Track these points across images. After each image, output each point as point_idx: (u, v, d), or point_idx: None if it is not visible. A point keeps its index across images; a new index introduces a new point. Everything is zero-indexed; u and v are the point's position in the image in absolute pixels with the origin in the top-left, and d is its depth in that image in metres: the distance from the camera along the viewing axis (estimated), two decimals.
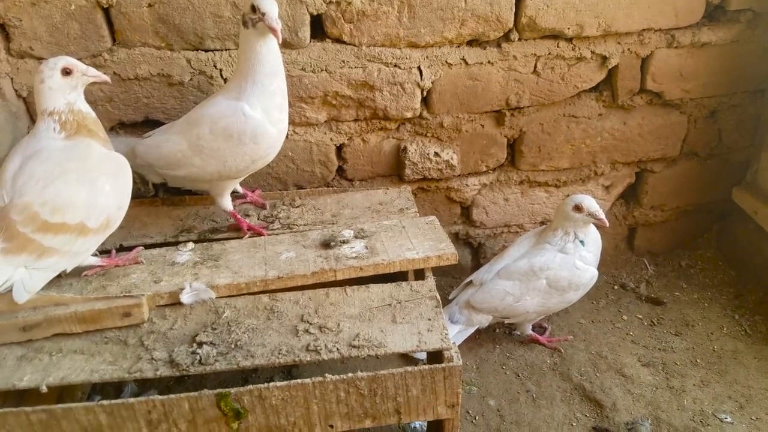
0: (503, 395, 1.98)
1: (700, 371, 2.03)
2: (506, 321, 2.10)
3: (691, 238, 2.63)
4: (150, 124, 2.00)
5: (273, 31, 1.56)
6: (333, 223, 1.90)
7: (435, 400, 1.42)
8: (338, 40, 2.00)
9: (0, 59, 1.84)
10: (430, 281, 1.64)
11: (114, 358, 1.39)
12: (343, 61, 2.01)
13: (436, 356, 1.47)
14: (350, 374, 1.36)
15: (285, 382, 1.34)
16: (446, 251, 1.70)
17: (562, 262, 1.96)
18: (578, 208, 1.92)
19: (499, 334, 2.24)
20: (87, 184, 1.45)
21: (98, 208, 1.46)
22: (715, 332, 2.21)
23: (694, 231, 2.63)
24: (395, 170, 2.26)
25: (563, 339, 2.19)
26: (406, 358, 1.99)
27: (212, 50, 1.95)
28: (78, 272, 1.57)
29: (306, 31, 1.95)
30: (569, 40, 2.11)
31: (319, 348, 1.39)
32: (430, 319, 1.49)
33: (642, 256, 2.61)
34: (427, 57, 2.06)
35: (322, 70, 2.01)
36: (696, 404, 1.90)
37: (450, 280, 2.46)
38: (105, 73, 1.61)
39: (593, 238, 2.01)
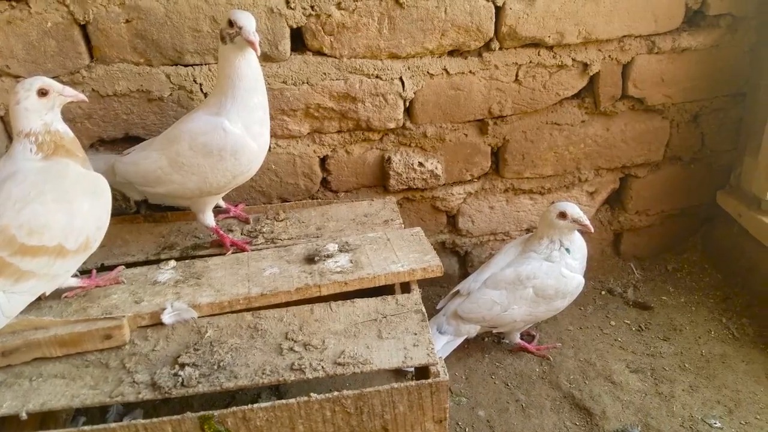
0: (493, 405, 1.97)
1: (689, 376, 2.03)
2: (494, 330, 2.10)
3: (677, 242, 2.64)
4: (130, 140, 1.99)
5: (251, 44, 1.55)
6: (317, 237, 1.89)
7: (423, 416, 1.40)
8: (319, 53, 1.99)
9: None
10: (416, 294, 1.63)
11: (95, 382, 1.37)
12: (325, 74, 2.01)
13: (423, 371, 1.45)
14: (336, 393, 1.34)
15: (269, 403, 1.32)
16: (431, 263, 1.70)
17: (548, 270, 1.96)
18: (563, 215, 1.92)
19: (487, 343, 2.23)
20: (64, 204, 1.43)
21: (76, 229, 1.44)
22: (703, 336, 2.21)
23: (680, 235, 2.63)
24: (380, 181, 2.26)
25: (552, 346, 2.19)
26: (395, 370, 1.98)
27: (192, 65, 1.94)
28: (58, 294, 1.55)
29: (286, 44, 1.95)
30: (550, 48, 2.12)
31: (303, 367, 1.38)
32: (416, 334, 1.48)
33: (628, 261, 2.62)
34: (408, 68, 2.05)
35: (303, 83, 2.00)
36: (685, 410, 1.90)
37: (438, 289, 2.45)
38: (83, 91, 1.60)
39: (578, 246, 2.01)
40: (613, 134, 2.32)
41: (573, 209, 1.92)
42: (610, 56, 2.17)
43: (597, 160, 2.36)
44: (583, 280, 2.00)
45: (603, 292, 2.47)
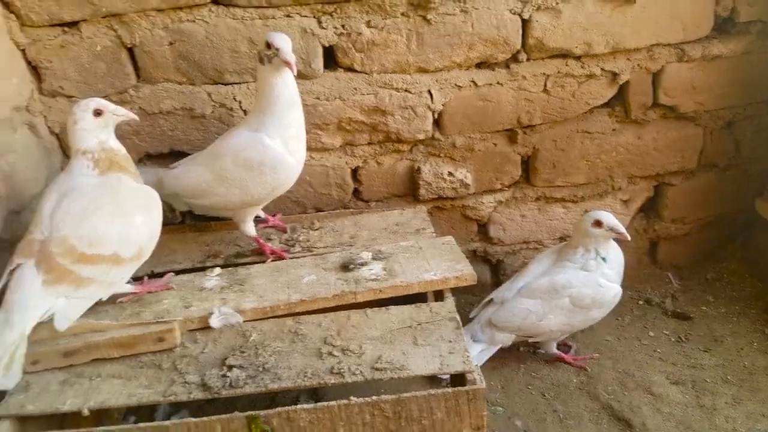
0: (530, 415, 1.94)
1: (732, 388, 1.96)
2: (530, 340, 2.08)
3: (716, 251, 2.59)
4: (175, 154, 2.08)
5: (288, 64, 1.63)
6: (351, 245, 1.94)
7: (460, 423, 1.41)
8: (350, 69, 2.06)
9: (33, 99, 1.93)
10: (450, 302, 1.66)
11: (149, 382, 1.44)
12: (356, 89, 2.07)
13: (459, 378, 1.47)
14: (375, 397, 1.37)
15: (312, 405, 1.36)
16: (464, 272, 1.72)
17: (584, 279, 1.95)
18: (598, 224, 1.91)
19: (523, 352, 2.21)
20: (120, 217, 1.53)
21: (131, 240, 1.54)
22: (745, 348, 2.14)
23: (718, 243, 2.59)
24: (410, 190, 2.30)
25: (589, 357, 2.15)
26: (430, 377, 2.00)
27: (231, 83, 2.02)
28: (113, 299, 1.63)
29: (319, 62, 2.02)
30: (578, 58, 2.14)
31: (342, 371, 1.42)
32: (451, 341, 1.50)
33: (666, 270, 2.57)
34: (436, 81, 2.11)
35: (335, 98, 2.07)
36: (729, 423, 1.83)
37: (470, 297, 2.42)
38: (131, 109, 1.70)
39: (615, 255, 1.99)
40: (646, 142, 2.32)
41: (608, 217, 1.91)
42: (639, 65, 2.18)
43: (630, 168, 2.36)
44: (620, 290, 1.98)
45: (640, 302, 2.43)
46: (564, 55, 2.13)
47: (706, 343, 2.19)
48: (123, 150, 1.63)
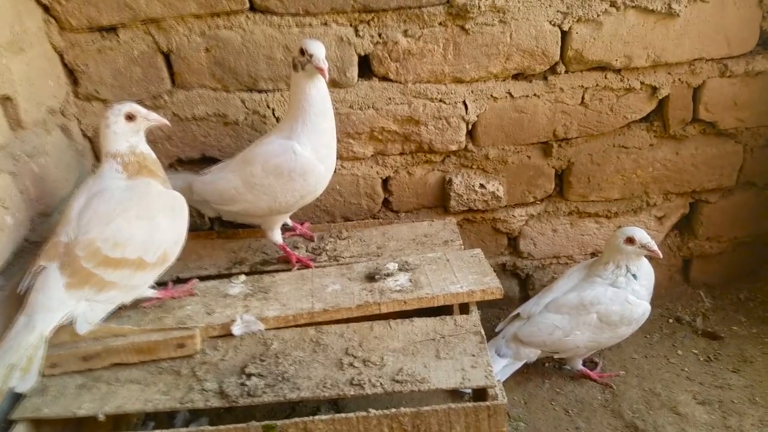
0: None
1: (759, 410, 1.94)
2: (555, 356, 2.07)
3: (750, 271, 2.53)
4: (206, 161, 2.10)
5: (320, 71, 1.63)
6: (378, 255, 1.94)
7: None
8: (385, 78, 2.05)
9: (68, 102, 1.97)
10: (475, 316, 1.64)
11: (167, 388, 1.45)
12: (390, 98, 2.07)
13: (480, 393, 1.46)
14: (394, 410, 1.36)
15: (329, 416, 1.36)
16: (491, 285, 1.70)
17: (613, 296, 1.92)
18: (630, 241, 1.89)
19: (548, 368, 2.20)
20: (146, 221, 1.54)
21: (155, 244, 1.55)
22: None
23: (753, 263, 2.52)
24: (440, 202, 2.28)
25: (615, 374, 2.13)
26: (451, 392, 1.98)
27: (265, 91, 2.03)
28: (136, 304, 1.65)
29: (354, 71, 2.02)
30: (617, 71, 2.10)
31: (362, 382, 1.41)
32: (474, 355, 1.49)
33: (698, 289, 2.53)
34: (472, 92, 2.09)
35: (369, 107, 2.07)
36: None
37: (497, 311, 2.43)
38: (164, 114, 1.72)
39: (646, 272, 1.96)
40: (683, 158, 2.26)
41: (641, 234, 1.89)
42: (680, 79, 2.12)
43: (666, 185, 2.31)
44: (649, 308, 1.95)
45: (670, 320, 2.40)
46: (603, 68, 2.09)
47: (736, 363, 2.16)
48: (153, 155, 1.65)
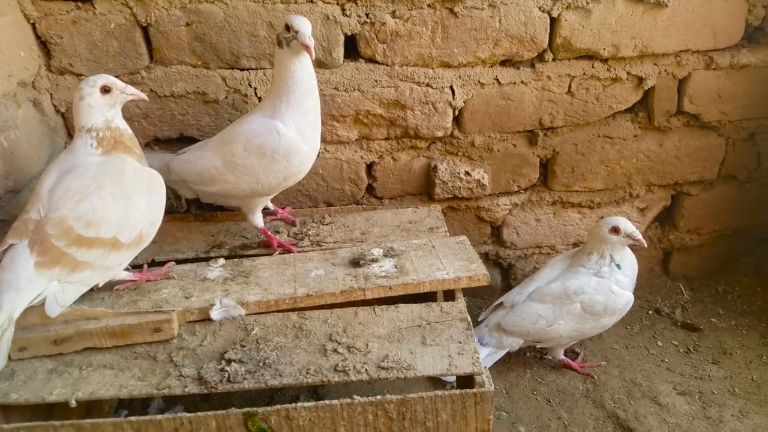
0: (534, 422, 1.93)
1: (739, 401, 1.96)
2: (538, 345, 2.06)
3: (729, 263, 2.56)
4: (184, 140, 2.03)
5: (306, 48, 1.57)
6: (362, 241, 1.89)
7: (465, 427, 1.38)
8: (371, 60, 2.01)
9: (41, 75, 1.88)
10: (461, 302, 1.61)
11: (143, 374, 1.39)
12: (376, 81, 2.02)
13: (466, 380, 1.43)
14: (379, 397, 1.33)
15: (312, 403, 1.32)
16: (477, 272, 1.68)
17: (597, 286, 1.92)
18: (615, 230, 1.89)
19: (529, 358, 2.19)
20: (121, 199, 1.46)
21: (131, 223, 1.48)
22: (754, 361, 2.13)
23: (732, 256, 2.55)
24: (425, 189, 2.25)
25: (596, 365, 2.13)
26: (433, 381, 1.96)
27: (247, 69, 1.97)
28: (110, 286, 1.58)
29: (340, 51, 1.97)
30: (605, 60, 2.09)
31: (347, 369, 1.37)
32: (461, 342, 1.46)
33: (677, 281, 2.55)
34: (459, 77, 2.05)
35: (354, 90, 2.02)
36: None
37: (479, 301, 2.43)
38: (142, 91, 1.64)
39: (629, 262, 1.96)
40: (667, 150, 2.26)
41: (626, 224, 1.89)
42: (666, 71, 2.12)
43: (649, 176, 2.31)
44: (632, 298, 1.95)
45: (650, 312, 2.42)
46: (590, 56, 2.08)
47: (715, 355, 2.19)
48: (129, 130, 1.58)
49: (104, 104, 1.51)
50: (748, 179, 2.39)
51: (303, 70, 1.65)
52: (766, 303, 2.42)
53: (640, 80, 2.13)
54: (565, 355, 2.13)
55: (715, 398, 1.98)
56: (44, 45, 1.88)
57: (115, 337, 1.46)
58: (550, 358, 2.15)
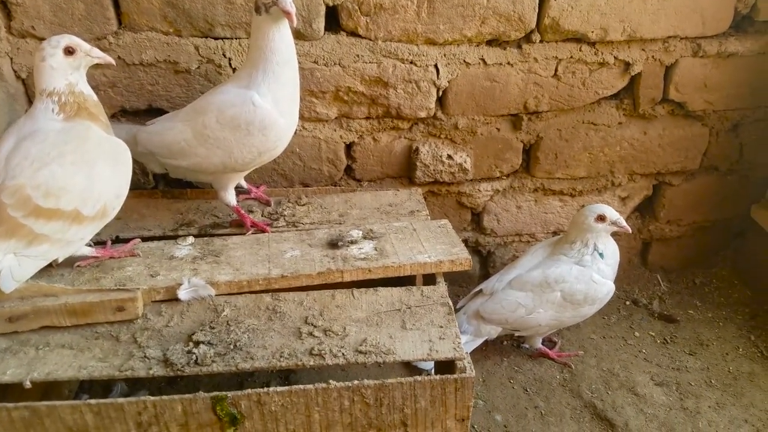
0: (510, 410, 1.90)
1: (715, 393, 1.96)
2: (516, 333, 2.03)
3: (707, 255, 2.56)
4: (153, 112, 1.93)
5: (287, 14, 1.49)
6: (340, 223, 1.82)
7: (444, 413, 1.33)
8: (353, 34, 1.92)
9: (0, 38, 1.76)
10: (442, 287, 1.56)
11: (104, 355, 1.31)
12: (358, 56, 1.94)
13: (447, 366, 1.38)
14: (356, 381, 1.27)
15: (286, 387, 1.25)
16: (460, 256, 1.62)
17: (578, 274, 1.88)
18: (601, 218, 1.86)
19: (506, 346, 2.16)
20: (84, 168, 1.37)
21: (95, 195, 1.38)
22: (731, 353, 2.13)
23: (710, 248, 2.55)
24: (406, 172, 2.18)
25: (573, 354, 2.11)
26: (410, 369, 1.91)
27: (222, 38, 1.87)
28: (70, 262, 1.49)
29: (320, 23, 1.88)
30: (592, 44, 2.04)
31: (323, 352, 1.31)
32: (442, 327, 1.41)
33: (655, 272, 2.54)
34: (444, 55, 1.98)
35: (335, 64, 1.94)
36: (711, 427, 1.83)
37: (456, 288, 2.38)
38: None
39: (612, 251, 1.93)
40: (650, 138, 2.23)
41: (611, 212, 1.86)
42: (653, 57, 2.09)
43: (632, 165, 2.28)
44: (613, 287, 1.92)
45: (628, 303, 2.40)
46: (578, 39, 2.02)
47: (692, 346, 2.18)
48: (94, 96, 1.48)
49: (67, 66, 1.41)
50: (729, 171, 2.38)
51: (282, 39, 1.56)
52: (743, 295, 2.42)
53: (627, 66, 2.09)
54: (543, 344, 2.10)
55: (692, 389, 1.97)
56: (4, 5, 1.75)
57: (74, 316, 1.38)
58: (527, 346, 2.12)
